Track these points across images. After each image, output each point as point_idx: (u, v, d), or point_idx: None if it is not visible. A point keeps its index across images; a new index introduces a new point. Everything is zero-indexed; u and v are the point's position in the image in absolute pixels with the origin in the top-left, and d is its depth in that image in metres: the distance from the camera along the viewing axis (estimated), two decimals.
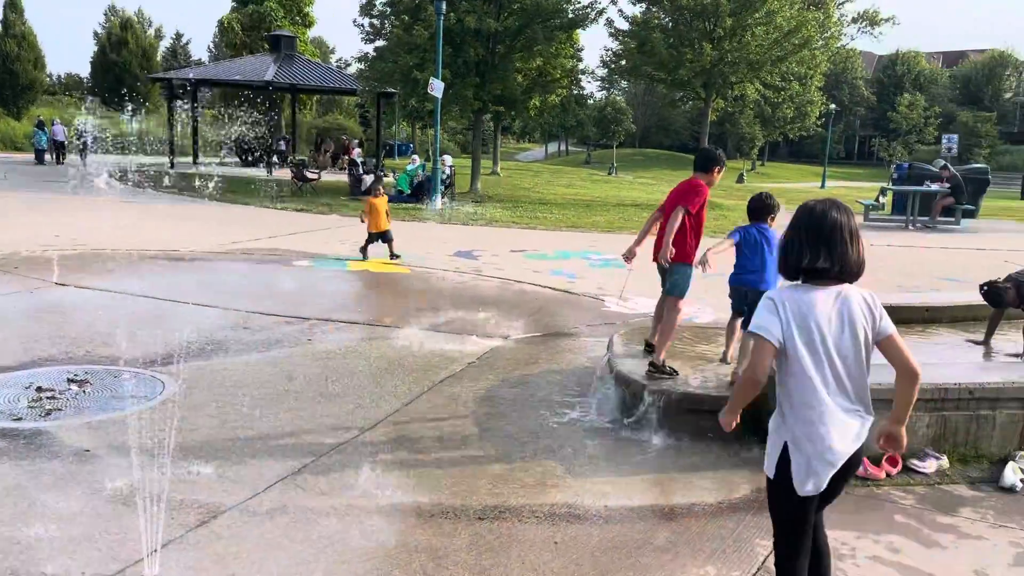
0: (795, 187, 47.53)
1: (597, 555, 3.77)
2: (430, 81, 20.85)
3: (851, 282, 2.82)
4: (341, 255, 12.62)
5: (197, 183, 23.71)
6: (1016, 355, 6.26)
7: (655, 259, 6.15)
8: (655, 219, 6.34)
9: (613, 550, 3.82)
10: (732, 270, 6.05)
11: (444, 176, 23.19)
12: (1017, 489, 4.63)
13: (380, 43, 25.98)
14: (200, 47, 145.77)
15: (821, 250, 2.75)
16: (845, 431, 2.78)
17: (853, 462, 2.83)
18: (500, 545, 3.83)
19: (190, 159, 34.13)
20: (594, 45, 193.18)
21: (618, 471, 4.80)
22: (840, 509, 4.29)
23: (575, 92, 62.51)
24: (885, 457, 4.82)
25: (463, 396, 6.06)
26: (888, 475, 4.74)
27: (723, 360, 6.28)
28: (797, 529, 2.90)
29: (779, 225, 4.38)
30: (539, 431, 5.39)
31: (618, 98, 75.67)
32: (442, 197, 22.22)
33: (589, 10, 25.16)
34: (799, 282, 2.84)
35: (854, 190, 42.86)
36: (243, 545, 3.73)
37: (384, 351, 7.23)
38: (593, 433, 5.41)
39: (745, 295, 5.91)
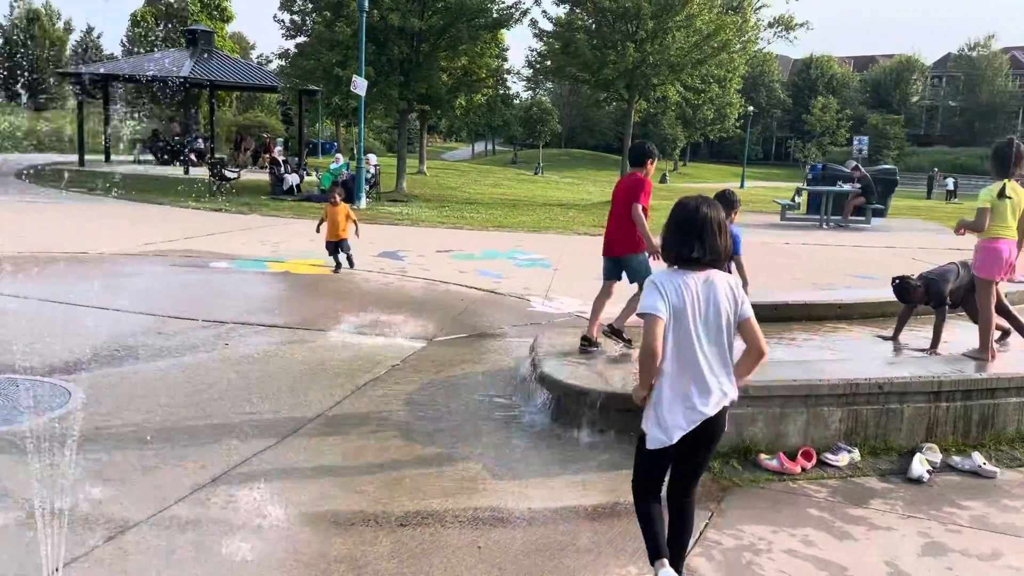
0: (716, 187, 48.15)
1: (520, 559, 3.75)
2: (353, 79, 20.55)
3: (719, 268, 3.24)
4: (260, 256, 12.31)
5: (108, 182, 22.81)
6: (923, 350, 6.52)
7: (604, 253, 6.60)
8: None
9: (536, 553, 3.81)
10: None
11: (368, 175, 22.90)
12: (924, 480, 4.81)
13: (302, 39, 25.48)
14: (112, 42, 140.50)
15: (694, 241, 3.17)
16: (706, 399, 3.17)
17: (712, 429, 3.22)
18: (422, 552, 3.77)
19: (102, 157, 32.83)
20: (520, 45, 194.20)
21: (542, 472, 4.79)
22: (757, 505, 4.41)
23: (501, 92, 62.64)
24: (800, 452, 4.96)
25: (386, 399, 5.97)
26: (803, 469, 4.86)
27: None
28: (650, 472, 3.33)
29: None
30: (463, 433, 5.35)
31: (544, 98, 76.17)
32: (367, 197, 21.94)
33: (513, 10, 25.23)
34: (675, 268, 3.24)
35: (771, 190, 44.20)
36: (153, 561, 3.58)
37: (305, 355, 7.07)
38: (518, 434, 5.40)
39: None
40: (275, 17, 25.35)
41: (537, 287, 10.73)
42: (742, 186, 48.54)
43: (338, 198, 11.26)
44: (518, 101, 75.18)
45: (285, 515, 4.07)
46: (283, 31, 25.58)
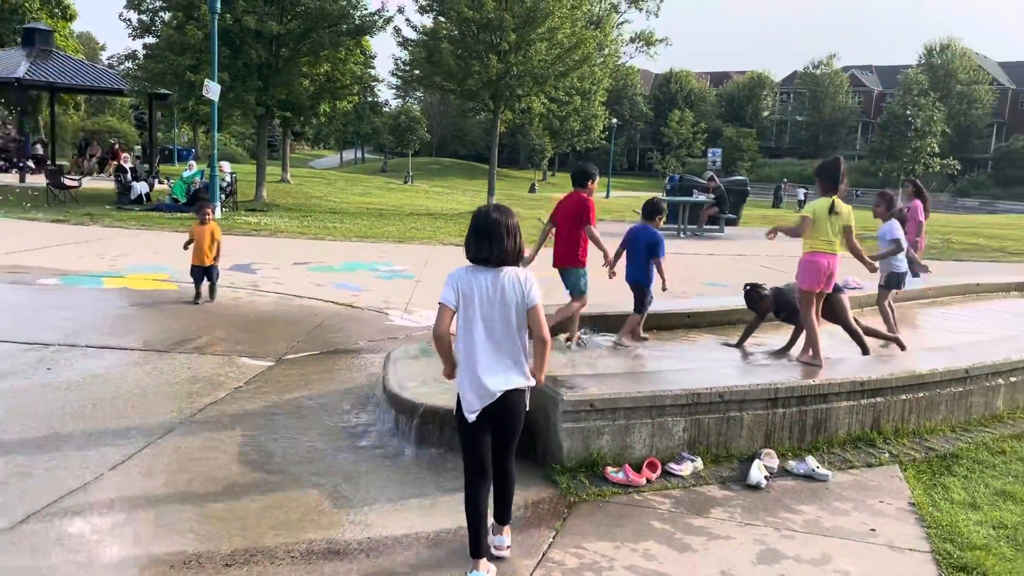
0: None
1: None
2: (205, 83, 19.63)
3: (510, 265, 3.72)
4: (97, 271, 11.48)
5: None
6: (777, 352, 6.79)
7: (555, 265, 7.21)
8: (548, 231, 7.39)
9: None
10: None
11: (223, 183, 21.93)
12: (762, 486, 4.95)
13: (151, 40, 24.14)
14: None
15: (483, 242, 3.67)
16: (496, 376, 3.67)
17: (511, 406, 3.71)
18: None
19: None
20: (390, 52, 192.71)
21: (388, 496, 4.60)
22: (602, 521, 4.39)
23: (370, 99, 61.70)
24: (645, 463, 4.99)
25: (225, 426, 5.61)
26: (648, 480, 4.90)
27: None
28: (467, 446, 3.78)
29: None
30: (307, 459, 5.08)
31: (414, 107, 75.84)
32: (222, 206, 21.00)
33: (376, 17, 24.87)
34: (472, 266, 3.72)
35: (635, 200, 45.63)
36: None
37: (138, 379, 6.58)
38: (365, 457, 5.18)
39: (635, 288, 7.33)
40: (121, 16, 23.90)
41: (397, 300, 10.51)
42: (607, 196, 49.81)
43: (209, 216, 9.75)
44: (388, 109, 74.60)
45: (96, 561, 3.70)
46: (130, 31, 24.14)
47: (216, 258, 9.73)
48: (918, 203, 9.93)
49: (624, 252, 7.44)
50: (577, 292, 7.12)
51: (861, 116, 78.18)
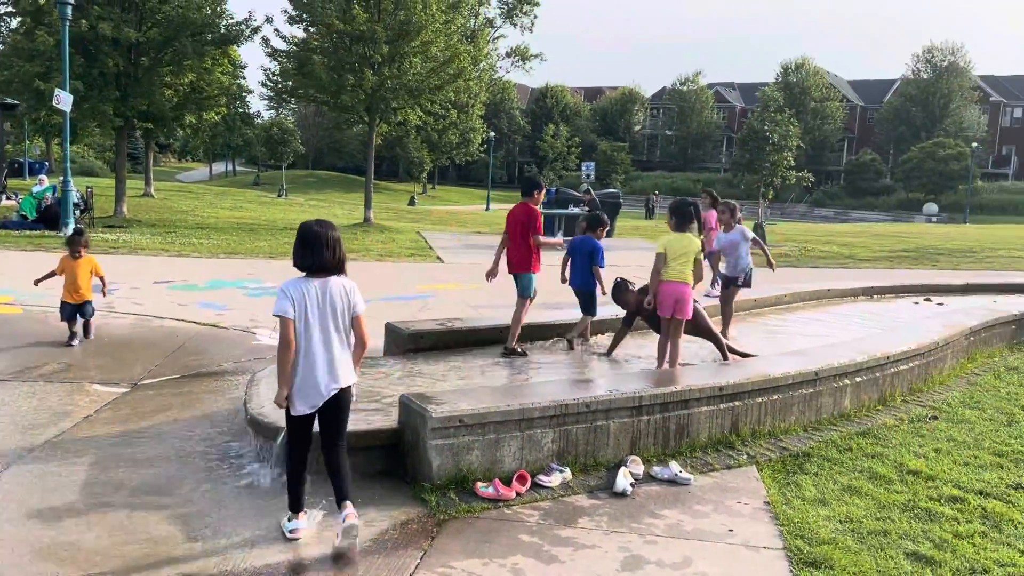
0: (463, 209, 49.92)
1: None
2: (56, 93, 18.47)
3: (336, 274, 4.12)
4: None
5: None
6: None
7: (510, 271, 7.73)
8: (505, 241, 7.79)
9: None
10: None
11: (78, 199, 20.67)
12: (628, 493, 5.05)
13: None
14: None
15: (307, 256, 4.08)
16: (328, 377, 4.11)
17: (340, 400, 4.17)
18: None
19: None
20: (261, 62, 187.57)
21: (246, 526, 4.40)
22: (471, 537, 4.36)
23: (240, 110, 59.78)
24: (515, 476, 5.00)
25: (71, 458, 5.24)
26: (518, 494, 4.91)
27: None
28: (296, 441, 4.23)
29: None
30: (161, 489, 4.81)
31: (288, 118, 74.02)
32: (77, 223, 19.78)
33: (243, 27, 24.13)
34: (303, 275, 4.10)
35: None
36: None
37: None
38: (227, 485, 4.95)
39: (579, 294, 7.94)
40: None
41: (266, 318, 10.15)
42: (487, 208, 50.26)
43: (81, 252, 8.56)
44: (260, 120, 72.46)
45: None
46: None
47: (105, 292, 8.78)
48: (713, 213, 10.46)
49: (569, 260, 8.11)
50: (526, 293, 7.69)
51: (726, 131, 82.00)
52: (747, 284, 9.01)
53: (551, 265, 8.66)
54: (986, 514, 4.90)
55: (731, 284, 9.00)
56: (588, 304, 8.01)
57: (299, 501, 4.28)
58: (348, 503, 4.21)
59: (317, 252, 4.06)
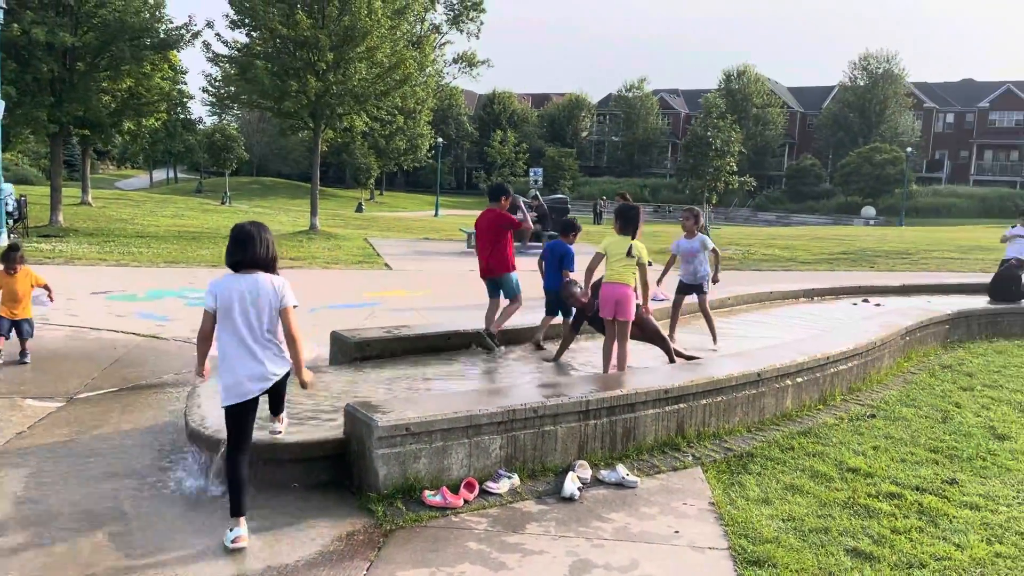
0: (411, 216, 49.70)
1: None
2: None
3: (266, 271, 4.35)
4: None
5: None
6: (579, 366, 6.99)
7: (485, 276, 8.19)
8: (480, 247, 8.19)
9: None
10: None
11: (8, 207, 19.99)
12: (576, 497, 5.06)
13: None
14: None
15: (238, 251, 4.32)
16: (254, 369, 4.30)
17: (275, 389, 4.46)
18: None
19: None
20: (202, 67, 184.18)
21: (188, 543, 4.29)
22: (418, 547, 4.33)
23: (181, 116, 58.49)
24: (463, 483, 4.98)
25: (1, 477, 5.05)
26: (466, 501, 4.88)
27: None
28: (234, 430, 4.35)
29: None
30: (99, 508, 4.66)
31: (231, 124, 72.80)
32: (10, 233, 19.14)
33: (183, 31, 23.65)
34: (232, 273, 4.33)
35: (462, 218, 46.05)
36: None
37: None
38: (165, 503, 4.81)
39: (548, 294, 8.16)
40: None
41: None
42: (436, 215, 50.08)
43: (18, 267, 8.10)
44: (202, 126, 71.12)
45: None
46: None
47: (51, 297, 8.51)
48: None
49: (542, 264, 8.31)
50: (512, 294, 8.07)
51: (671, 137, 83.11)
52: (707, 291, 9.02)
53: (529, 271, 8.74)
54: (922, 509, 5.03)
55: (688, 291, 9.01)
56: (554, 306, 8.18)
57: (240, 505, 4.27)
58: (279, 417, 4.88)
59: (249, 249, 4.30)
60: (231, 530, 4.23)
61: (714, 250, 9.04)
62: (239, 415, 4.30)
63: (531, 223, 8.99)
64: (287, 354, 4.38)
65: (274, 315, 4.31)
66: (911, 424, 6.92)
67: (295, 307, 4.40)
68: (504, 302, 8.24)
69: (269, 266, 4.36)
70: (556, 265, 8.12)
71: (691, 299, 9.13)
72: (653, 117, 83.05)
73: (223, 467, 4.60)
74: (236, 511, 4.27)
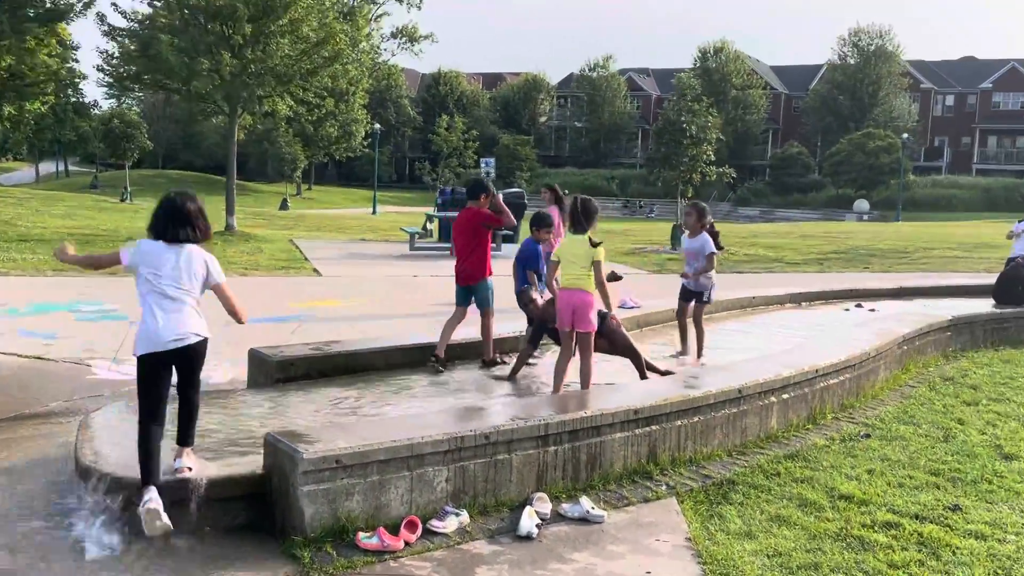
0: (345, 213, 49.39)
1: None
2: None
3: (195, 243, 4.98)
4: None
5: None
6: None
7: (459, 283, 8.27)
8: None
9: None
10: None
11: None
12: (534, 536, 5.06)
13: None
14: None
15: (168, 224, 4.93)
16: (169, 327, 4.83)
17: (188, 353, 4.92)
18: None
19: None
20: (97, 43, 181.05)
21: None
22: None
23: (72, 99, 57.41)
24: (404, 523, 4.94)
25: None
26: (407, 543, 4.85)
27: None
28: (147, 391, 4.91)
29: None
30: None
31: (132, 109, 71.60)
32: None
33: (74, 1, 23.23)
34: (161, 242, 4.92)
35: (406, 215, 45.90)
36: None
37: None
38: (52, 553, 4.69)
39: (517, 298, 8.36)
40: None
41: (104, 347, 9.77)
42: (374, 212, 49.87)
43: None
44: (98, 111, 69.82)
45: None
46: None
47: None
48: (555, 209, 10.44)
49: (516, 267, 8.61)
50: (485, 304, 8.17)
51: (640, 122, 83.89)
52: (707, 300, 9.06)
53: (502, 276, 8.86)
54: (923, 540, 5.14)
55: (690, 298, 9.04)
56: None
57: (150, 472, 4.69)
58: (186, 452, 5.05)
59: (180, 223, 4.91)
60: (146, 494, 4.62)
61: (709, 256, 8.94)
62: (152, 371, 4.84)
63: (513, 220, 8.92)
64: (205, 323, 4.95)
65: (200, 285, 4.94)
66: (909, 444, 7.07)
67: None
68: (472, 311, 8.29)
69: (200, 238, 5.00)
70: (523, 265, 8.38)
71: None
72: (620, 100, 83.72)
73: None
74: (146, 477, 4.68)
